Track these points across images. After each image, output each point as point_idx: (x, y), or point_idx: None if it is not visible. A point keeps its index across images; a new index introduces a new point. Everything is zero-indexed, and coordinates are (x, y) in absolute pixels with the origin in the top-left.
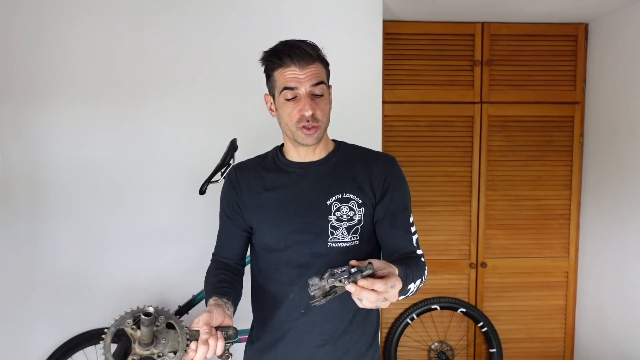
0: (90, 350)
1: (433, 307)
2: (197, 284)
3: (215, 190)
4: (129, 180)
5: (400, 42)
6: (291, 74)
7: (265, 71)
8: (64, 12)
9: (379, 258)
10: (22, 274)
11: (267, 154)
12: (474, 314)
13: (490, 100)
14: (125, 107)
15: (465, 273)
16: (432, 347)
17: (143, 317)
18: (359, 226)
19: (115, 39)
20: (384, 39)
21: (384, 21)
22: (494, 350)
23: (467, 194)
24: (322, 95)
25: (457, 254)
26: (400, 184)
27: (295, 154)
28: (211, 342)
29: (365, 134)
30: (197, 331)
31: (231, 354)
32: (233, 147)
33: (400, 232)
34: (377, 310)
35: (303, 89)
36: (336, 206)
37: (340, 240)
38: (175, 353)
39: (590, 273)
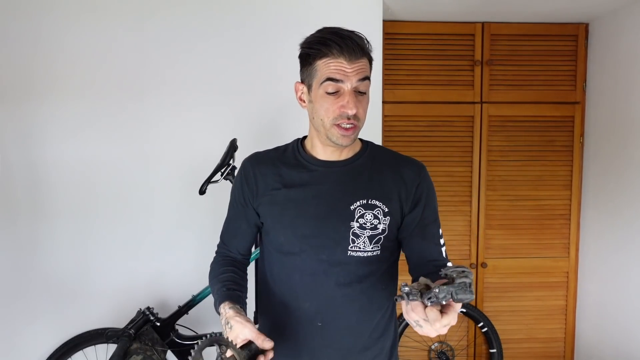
0: (90, 350)
1: None
2: (197, 284)
3: (215, 190)
4: (128, 180)
5: (400, 42)
6: (338, 66)
7: (304, 57)
8: (64, 12)
9: (397, 269)
10: (22, 274)
11: (285, 146)
12: (474, 314)
13: (490, 100)
14: (125, 107)
15: None
16: (432, 347)
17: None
18: (382, 236)
19: (115, 39)
20: (384, 39)
21: (384, 21)
22: (494, 350)
23: (467, 194)
24: (364, 93)
25: (457, 254)
26: (431, 194)
27: (321, 151)
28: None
29: (365, 134)
30: (247, 346)
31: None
32: (233, 147)
33: (430, 244)
34: (395, 322)
35: (348, 84)
36: (360, 212)
37: (362, 249)
38: None
39: (591, 273)
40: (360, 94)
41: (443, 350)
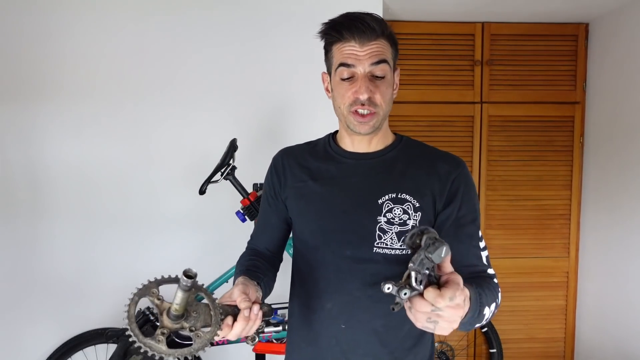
0: (90, 350)
1: None
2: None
3: (215, 190)
4: (129, 180)
5: (400, 42)
6: (350, 50)
7: (324, 46)
8: (65, 12)
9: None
10: (22, 274)
11: (318, 140)
12: None
13: (490, 100)
14: (125, 107)
15: None
16: None
17: (183, 278)
18: None
19: (115, 39)
20: None
21: None
22: (494, 350)
23: None
24: (383, 78)
25: None
26: (470, 192)
27: (349, 143)
28: (252, 315)
29: None
30: (230, 307)
31: (258, 334)
32: (233, 147)
33: (467, 247)
34: (432, 334)
35: (361, 68)
36: (388, 206)
37: (389, 246)
38: (208, 327)
39: (591, 273)
40: (377, 78)
41: (443, 350)
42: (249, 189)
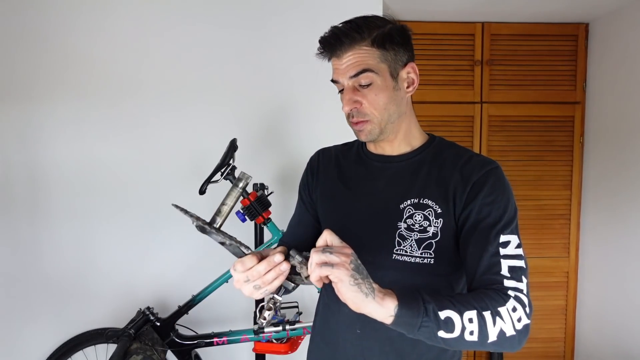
0: (90, 350)
1: None
2: (197, 284)
3: (215, 190)
4: (128, 180)
5: None
6: (335, 65)
7: None
8: (65, 12)
9: (463, 288)
10: (22, 274)
11: (354, 142)
12: None
13: (490, 100)
14: (125, 107)
15: None
16: None
17: (242, 172)
18: (432, 241)
19: (115, 39)
20: None
21: None
22: None
23: None
24: (369, 85)
25: None
26: (496, 192)
27: (372, 146)
28: (277, 264)
29: None
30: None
31: (275, 305)
32: (233, 147)
33: (478, 251)
34: (458, 352)
35: (345, 82)
36: (409, 212)
37: (408, 253)
38: (240, 247)
39: (591, 273)
40: (363, 87)
41: None
42: (249, 189)
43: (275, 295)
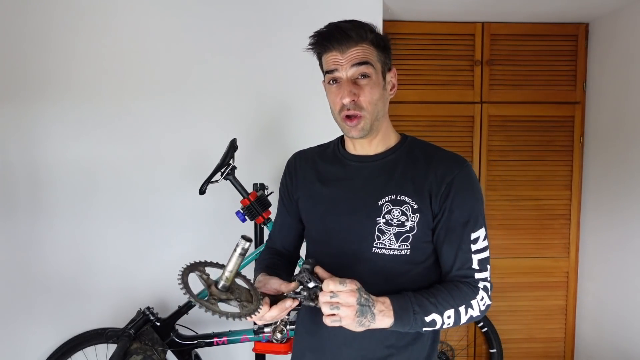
0: (90, 350)
1: None
2: (197, 284)
3: (215, 190)
4: (128, 180)
5: (400, 42)
6: (333, 58)
7: (317, 58)
8: (65, 12)
9: (436, 276)
10: (22, 274)
11: (329, 143)
12: None
13: (490, 100)
14: (125, 107)
15: None
16: None
17: (242, 240)
18: (410, 234)
19: (115, 39)
20: None
21: (384, 21)
22: (494, 350)
23: None
24: (368, 77)
25: None
26: (466, 193)
27: (352, 146)
28: (287, 304)
29: None
30: (263, 294)
31: (286, 325)
32: (233, 147)
33: (453, 249)
34: (434, 335)
35: (344, 73)
36: (387, 208)
37: (387, 246)
38: (251, 303)
39: (591, 273)
40: (362, 77)
41: (443, 350)
42: (249, 189)
43: (285, 316)
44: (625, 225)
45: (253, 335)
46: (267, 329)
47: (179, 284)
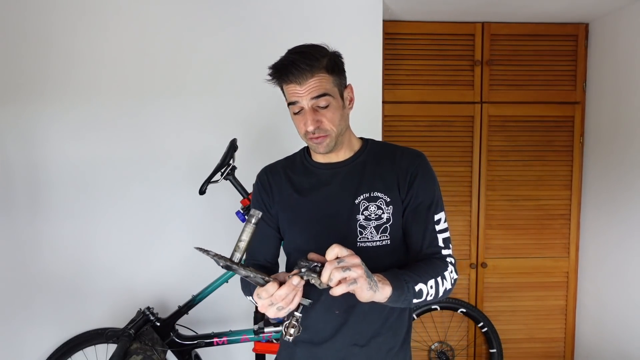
0: (90, 350)
1: (433, 307)
2: (197, 284)
3: (215, 190)
4: (129, 180)
5: (400, 42)
6: (292, 90)
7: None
8: (66, 13)
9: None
10: (22, 274)
11: (294, 156)
12: (474, 314)
13: (490, 100)
14: (125, 107)
15: (465, 273)
16: (432, 347)
17: (257, 211)
18: (387, 225)
19: (116, 39)
20: (384, 39)
21: (384, 21)
22: (494, 350)
23: (467, 194)
24: (326, 107)
25: (457, 254)
26: (428, 180)
27: (320, 156)
28: (295, 284)
29: (365, 134)
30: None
31: (298, 323)
32: (233, 147)
33: (421, 229)
34: (409, 310)
35: (305, 102)
36: (364, 205)
37: (369, 239)
38: (262, 278)
39: (591, 273)
40: (321, 108)
41: (443, 350)
42: (249, 189)
43: (296, 313)
44: (626, 225)
45: (253, 335)
46: (267, 329)
47: (201, 251)
